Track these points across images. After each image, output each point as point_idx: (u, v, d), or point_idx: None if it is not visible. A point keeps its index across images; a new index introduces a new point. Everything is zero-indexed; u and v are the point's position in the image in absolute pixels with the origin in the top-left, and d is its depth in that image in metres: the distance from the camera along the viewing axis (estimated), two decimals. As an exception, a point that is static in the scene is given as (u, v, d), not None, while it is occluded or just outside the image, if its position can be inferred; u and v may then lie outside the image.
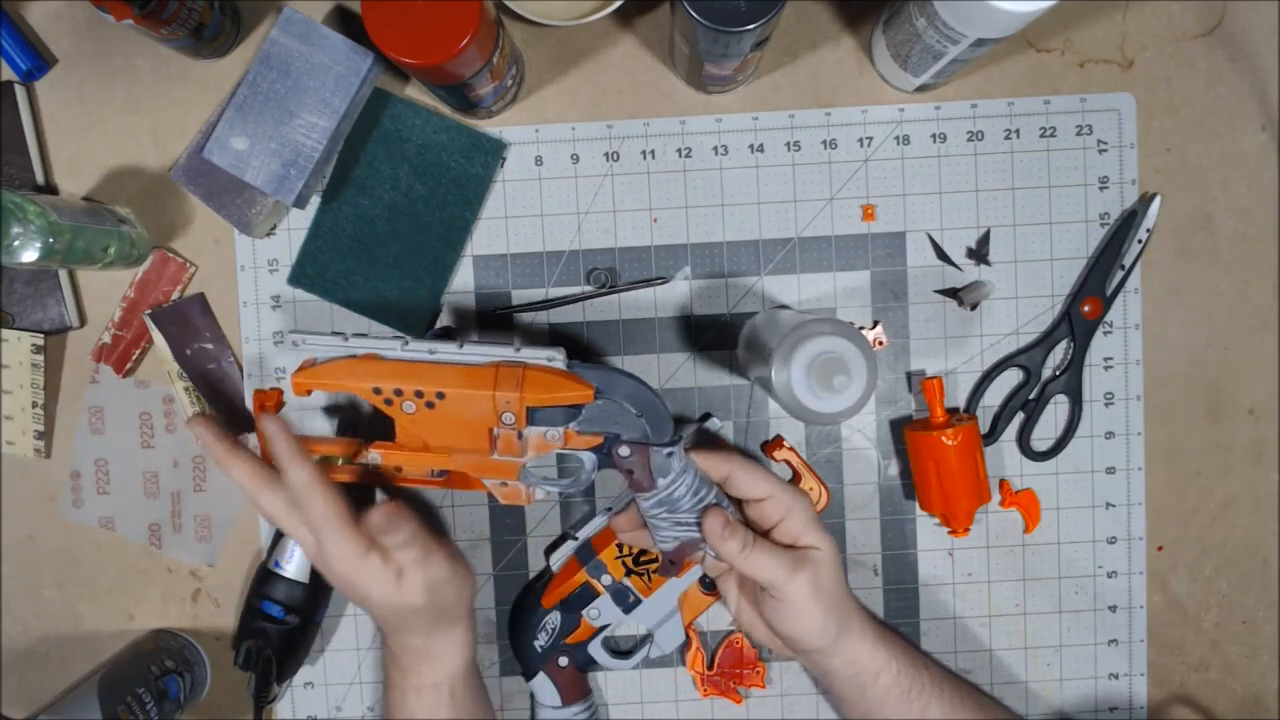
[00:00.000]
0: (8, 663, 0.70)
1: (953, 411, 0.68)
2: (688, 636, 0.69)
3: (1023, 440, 0.68)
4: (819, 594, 0.57)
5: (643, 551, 0.66)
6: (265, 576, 0.66)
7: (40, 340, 0.67)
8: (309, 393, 0.57)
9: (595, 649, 0.67)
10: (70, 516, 0.70)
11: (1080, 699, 0.70)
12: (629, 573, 0.66)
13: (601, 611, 0.66)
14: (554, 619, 0.66)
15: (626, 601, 0.66)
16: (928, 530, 0.69)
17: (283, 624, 0.65)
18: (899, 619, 0.69)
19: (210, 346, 0.68)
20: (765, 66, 0.67)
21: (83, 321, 0.69)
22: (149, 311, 0.67)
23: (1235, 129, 0.67)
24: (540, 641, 0.67)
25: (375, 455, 0.59)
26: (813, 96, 0.67)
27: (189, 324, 0.68)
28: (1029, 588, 0.69)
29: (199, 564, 0.70)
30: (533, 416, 0.56)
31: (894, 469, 0.69)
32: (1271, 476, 0.69)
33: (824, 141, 0.67)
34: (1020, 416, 0.68)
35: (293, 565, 0.65)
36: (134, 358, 0.68)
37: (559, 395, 0.55)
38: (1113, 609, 0.69)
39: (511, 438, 0.57)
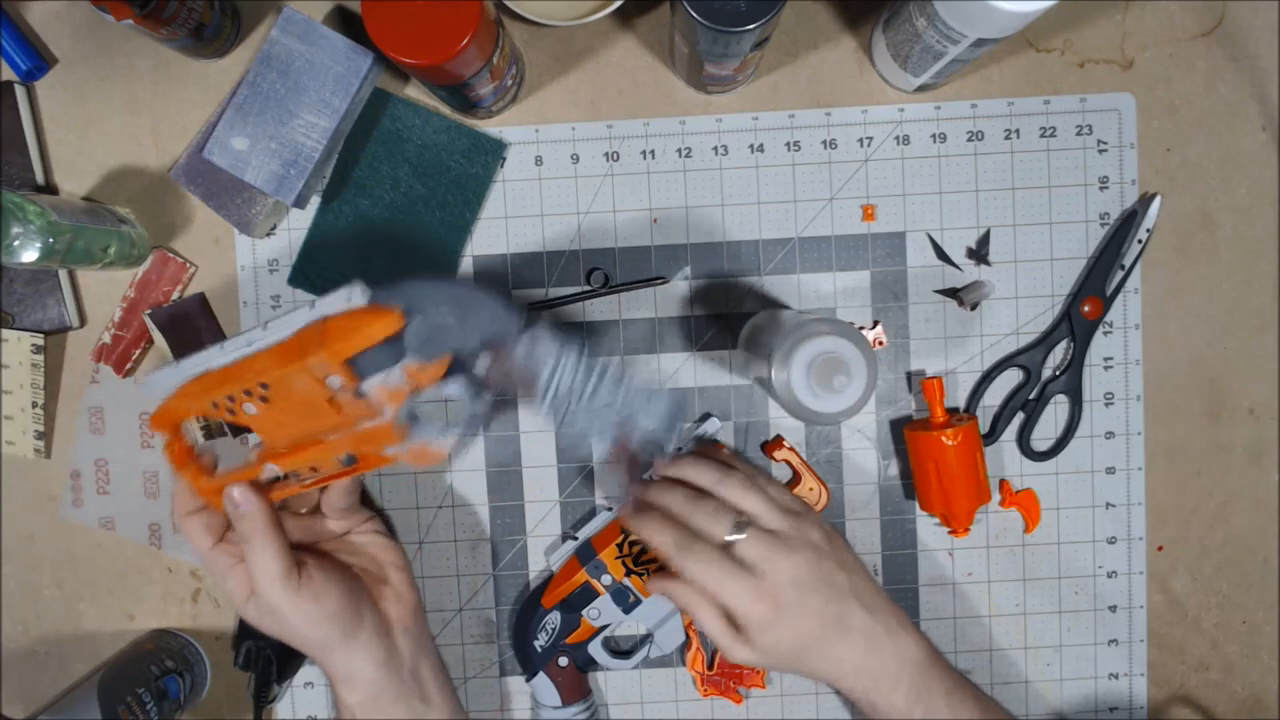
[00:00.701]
0: (8, 663, 0.70)
1: (953, 411, 0.68)
2: (688, 636, 0.69)
3: (1023, 440, 0.68)
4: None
5: (643, 551, 0.66)
6: (265, 576, 0.66)
7: (40, 340, 0.67)
8: (173, 430, 0.56)
9: (595, 649, 0.67)
10: (70, 516, 0.70)
11: (1080, 699, 0.70)
12: (629, 572, 0.66)
13: (601, 611, 0.66)
14: (554, 619, 0.67)
15: (626, 601, 0.66)
16: (928, 530, 0.69)
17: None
18: (899, 619, 0.69)
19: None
20: (765, 66, 0.67)
21: (83, 321, 0.69)
22: (149, 311, 0.67)
23: (1235, 129, 0.67)
24: (540, 641, 0.67)
25: (271, 467, 0.55)
26: (813, 96, 0.67)
27: (189, 324, 0.68)
28: (1029, 588, 0.69)
29: (199, 564, 0.70)
30: (360, 370, 0.50)
31: (894, 469, 0.69)
32: (1271, 476, 0.69)
33: (824, 141, 0.67)
34: (1020, 416, 0.68)
35: (293, 565, 0.65)
36: (134, 358, 0.68)
37: (362, 335, 0.49)
38: (1113, 609, 0.69)
39: (353, 401, 0.51)
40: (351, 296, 0.49)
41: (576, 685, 0.67)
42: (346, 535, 0.63)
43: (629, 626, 0.68)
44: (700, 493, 0.58)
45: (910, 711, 0.58)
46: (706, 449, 0.65)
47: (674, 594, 0.58)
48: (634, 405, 0.52)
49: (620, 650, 0.68)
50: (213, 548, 0.57)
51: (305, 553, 0.59)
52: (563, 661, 0.67)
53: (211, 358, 0.53)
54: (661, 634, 0.67)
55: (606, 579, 0.66)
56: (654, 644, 0.67)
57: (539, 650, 0.67)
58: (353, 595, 0.58)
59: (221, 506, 0.56)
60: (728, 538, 0.56)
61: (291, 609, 0.56)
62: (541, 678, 0.67)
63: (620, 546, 0.66)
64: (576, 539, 0.67)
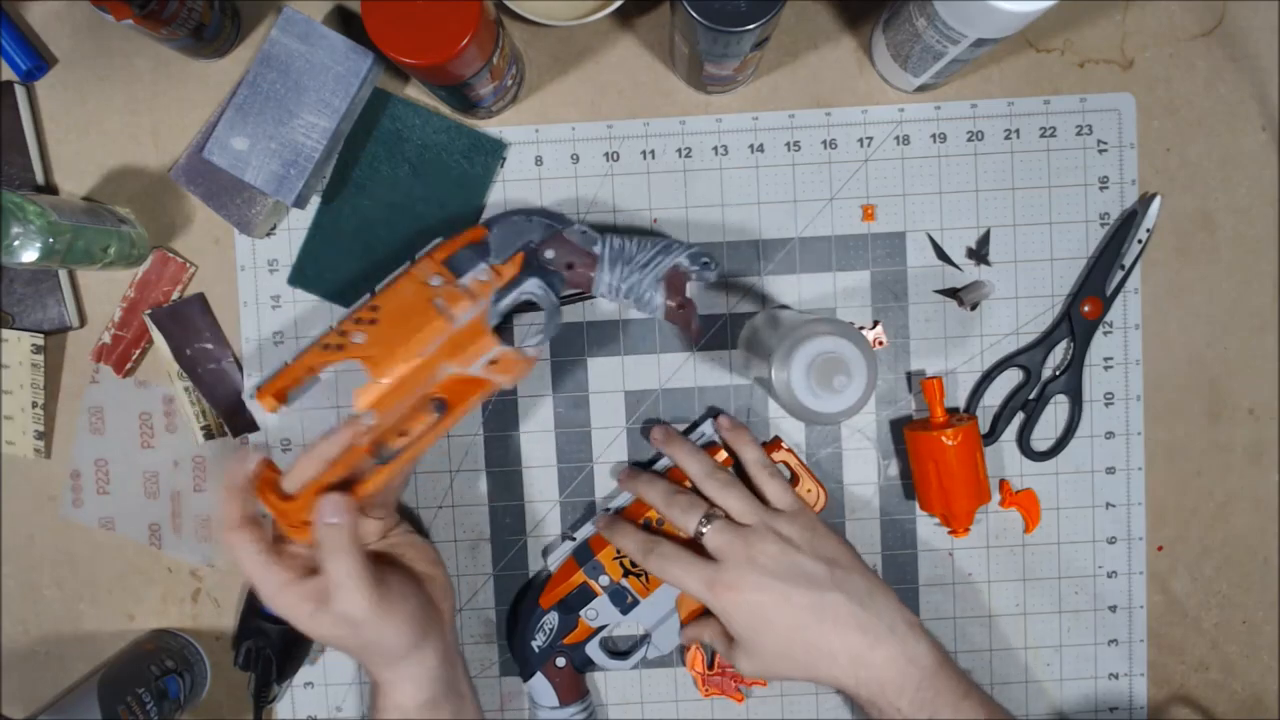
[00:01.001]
0: (8, 663, 0.70)
1: (953, 411, 0.68)
2: (688, 637, 0.69)
3: (1023, 440, 0.68)
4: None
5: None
6: (265, 576, 0.66)
7: (40, 340, 0.67)
8: (277, 407, 0.58)
9: (593, 649, 0.67)
10: (70, 516, 0.70)
11: (1080, 699, 0.70)
12: (627, 573, 0.66)
13: (599, 612, 0.66)
14: (552, 619, 0.66)
15: (624, 602, 0.66)
16: (928, 530, 0.69)
17: (283, 624, 0.64)
18: (899, 619, 0.69)
19: (210, 346, 0.68)
20: (765, 66, 0.67)
21: (83, 321, 0.69)
22: (149, 311, 0.67)
23: (1235, 129, 0.67)
24: (538, 642, 0.67)
25: (368, 415, 0.57)
26: (813, 96, 0.67)
27: (189, 324, 0.68)
28: (1029, 588, 0.69)
29: (199, 564, 0.70)
30: (456, 269, 0.60)
31: (894, 469, 0.69)
32: (1271, 476, 0.69)
33: (824, 141, 0.67)
34: (1020, 416, 0.68)
35: (293, 565, 0.65)
36: (134, 358, 0.68)
37: (458, 241, 0.61)
38: (1113, 609, 0.69)
39: (454, 291, 0.59)
40: (437, 241, 0.62)
41: (574, 686, 0.67)
42: (385, 538, 0.62)
43: (627, 627, 0.67)
44: (677, 488, 0.63)
45: (915, 716, 0.57)
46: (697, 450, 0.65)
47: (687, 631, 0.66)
48: (669, 251, 0.62)
49: (618, 651, 0.68)
50: (266, 563, 0.54)
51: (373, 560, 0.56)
52: (560, 662, 0.67)
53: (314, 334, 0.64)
54: (659, 634, 0.67)
55: (604, 580, 0.66)
56: (651, 644, 0.67)
57: (536, 651, 0.67)
58: (422, 598, 0.58)
59: (293, 522, 0.55)
60: (694, 530, 0.60)
61: (376, 619, 0.54)
62: (539, 678, 0.67)
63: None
64: (575, 539, 0.67)
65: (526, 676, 0.67)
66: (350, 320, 0.59)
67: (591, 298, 0.67)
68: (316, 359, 0.58)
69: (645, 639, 0.68)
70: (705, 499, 0.62)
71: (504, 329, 0.67)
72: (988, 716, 0.58)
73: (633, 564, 0.65)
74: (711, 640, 0.64)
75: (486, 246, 0.61)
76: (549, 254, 0.61)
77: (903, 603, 0.60)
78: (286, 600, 0.54)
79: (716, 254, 0.67)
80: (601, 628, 0.67)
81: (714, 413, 0.68)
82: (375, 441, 0.57)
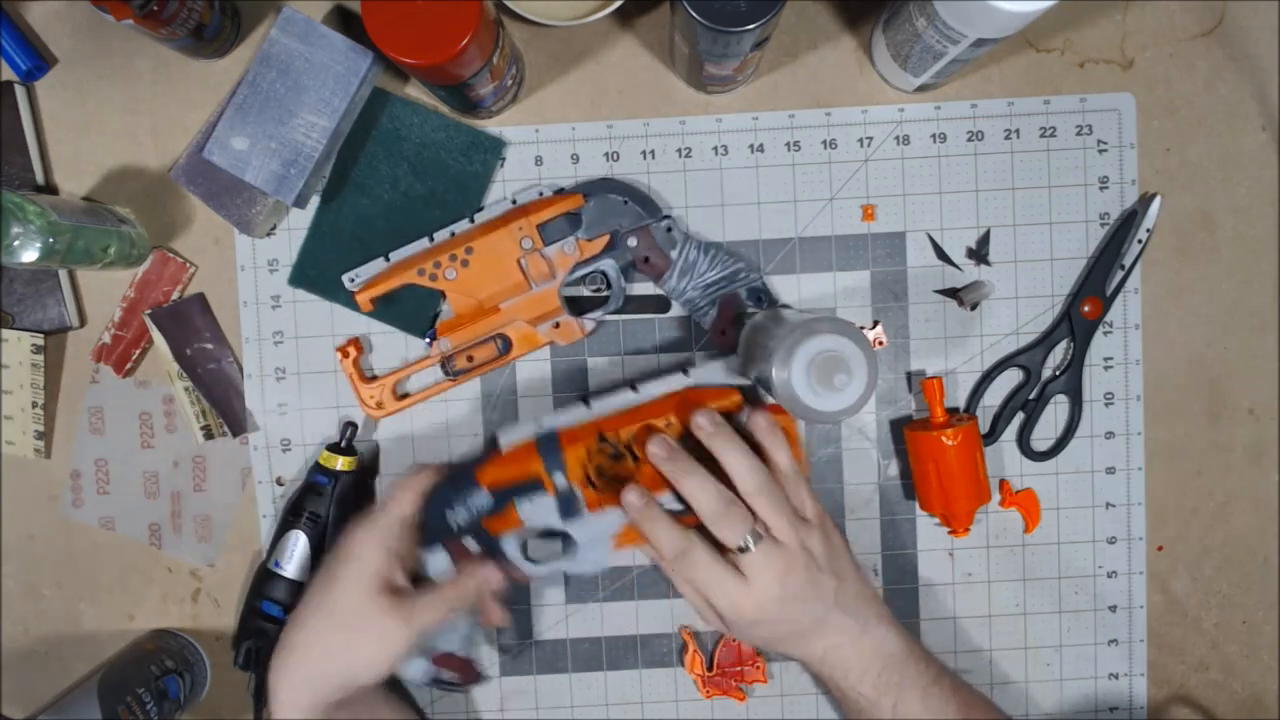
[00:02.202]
0: (8, 663, 0.70)
1: (953, 411, 0.68)
2: (684, 641, 0.69)
3: (1023, 440, 0.68)
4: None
5: (615, 458, 0.60)
6: (265, 576, 0.66)
7: (40, 340, 0.67)
8: (373, 306, 0.65)
9: (509, 545, 0.60)
10: (70, 516, 0.70)
11: (1080, 699, 0.70)
12: (589, 481, 0.59)
13: (537, 510, 0.59)
14: (482, 500, 0.60)
15: (570, 510, 0.59)
16: (928, 530, 0.69)
17: (282, 624, 0.64)
18: (899, 619, 0.69)
19: (210, 346, 0.68)
20: (765, 66, 0.67)
21: (83, 321, 0.69)
22: (149, 311, 0.67)
23: (1235, 129, 0.67)
24: (457, 517, 0.60)
25: (444, 341, 0.66)
26: (813, 96, 0.67)
27: (189, 324, 0.68)
28: (1029, 588, 0.69)
29: (199, 564, 0.70)
30: (546, 236, 0.64)
31: (894, 469, 0.69)
32: (1271, 476, 0.69)
33: (824, 141, 0.67)
34: (1020, 416, 0.68)
35: (293, 565, 0.65)
36: (134, 358, 0.68)
37: (557, 207, 0.64)
38: (1113, 609, 0.69)
39: (538, 260, 0.64)
40: (542, 191, 0.66)
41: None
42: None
43: (549, 550, 0.63)
44: (726, 497, 0.58)
45: (878, 701, 0.60)
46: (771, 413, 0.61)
47: (662, 564, 0.62)
48: (733, 280, 0.66)
49: (533, 558, 0.62)
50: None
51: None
52: (470, 544, 0.60)
53: (414, 248, 0.66)
54: (585, 554, 0.60)
55: (560, 479, 0.59)
56: (574, 560, 0.61)
57: (449, 525, 0.60)
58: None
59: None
60: (736, 544, 0.57)
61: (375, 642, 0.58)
62: (440, 552, 0.60)
63: (591, 451, 0.59)
64: (542, 427, 0.60)
65: (426, 543, 0.60)
66: (446, 255, 0.64)
67: (661, 313, 0.68)
68: (411, 279, 0.65)
69: (569, 551, 0.61)
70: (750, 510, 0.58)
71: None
72: (959, 702, 0.60)
73: (598, 473, 0.60)
74: (696, 605, 0.61)
75: (579, 217, 0.65)
76: (632, 242, 0.65)
77: (875, 593, 0.62)
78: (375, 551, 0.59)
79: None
80: (530, 527, 0.60)
81: (748, 397, 0.61)
82: (446, 359, 0.66)
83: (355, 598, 0.58)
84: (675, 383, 0.61)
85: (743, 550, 0.57)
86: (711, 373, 0.61)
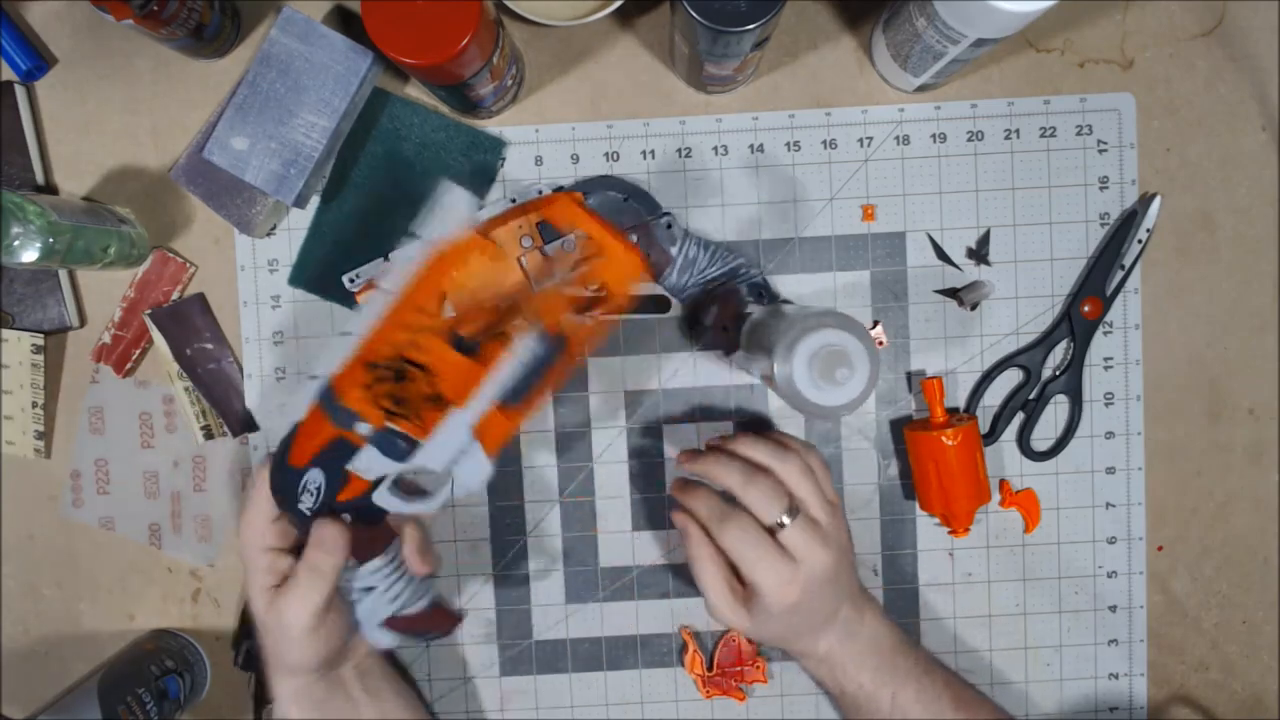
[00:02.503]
0: (8, 663, 0.70)
1: (953, 411, 0.68)
2: (684, 641, 0.69)
3: (1023, 440, 0.68)
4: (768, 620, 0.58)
5: (398, 378, 0.54)
6: (265, 576, 0.66)
7: (40, 340, 0.67)
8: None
9: (382, 497, 0.55)
10: (70, 516, 0.70)
11: (1080, 699, 0.70)
12: (391, 414, 0.53)
13: (371, 464, 0.54)
14: (315, 477, 0.55)
15: (398, 449, 0.54)
16: (928, 530, 0.69)
17: (283, 624, 0.65)
18: (899, 619, 0.69)
19: (210, 346, 0.68)
20: (765, 66, 0.67)
21: (83, 321, 0.69)
22: (149, 311, 0.67)
23: (1235, 129, 0.67)
24: (306, 505, 0.55)
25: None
26: (813, 96, 0.67)
27: (189, 324, 0.68)
28: (1029, 588, 0.69)
29: (199, 564, 0.70)
30: (546, 235, 0.63)
31: (894, 469, 0.69)
32: (1271, 476, 0.69)
33: (824, 141, 0.67)
34: (1020, 416, 0.68)
35: (292, 565, 0.65)
36: (134, 358, 0.68)
37: (552, 206, 0.63)
38: (1113, 609, 0.69)
39: (538, 259, 0.63)
40: (541, 190, 0.66)
41: (371, 540, 0.57)
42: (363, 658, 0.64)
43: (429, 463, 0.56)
44: (755, 469, 0.58)
45: (877, 693, 0.60)
46: (765, 433, 0.62)
47: (689, 539, 0.59)
48: (734, 276, 0.65)
49: (419, 490, 0.58)
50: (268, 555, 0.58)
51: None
52: (345, 519, 0.56)
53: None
54: (462, 471, 0.55)
55: (364, 428, 0.53)
56: (457, 485, 0.56)
57: (308, 514, 0.55)
58: (343, 643, 0.60)
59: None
60: (780, 520, 0.56)
61: (309, 638, 0.57)
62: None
63: (370, 385, 0.53)
64: (315, 377, 0.55)
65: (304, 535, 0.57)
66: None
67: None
68: None
69: (448, 477, 0.56)
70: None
71: None
72: (950, 692, 0.62)
73: (396, 402, 0.54)
74: (711, 582, 0.58)
75: None
76: (632, 239, 0.65)
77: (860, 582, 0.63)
78: (258, 562, 0.57)
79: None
80: (381, 479, 0.55)
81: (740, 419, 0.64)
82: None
83: (260, 606, 0.58)
84: (408, 255, 0.56)
85: (780, 527, 0.56)
86: (409, 251, 0.57)
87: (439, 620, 0.60)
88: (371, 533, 0.57)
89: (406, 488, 0.57)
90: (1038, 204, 0.67)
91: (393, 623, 0.59)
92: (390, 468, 0.55)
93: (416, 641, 0.61)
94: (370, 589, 0.58)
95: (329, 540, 0.55)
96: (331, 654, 0.59)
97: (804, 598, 0.57)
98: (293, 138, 0.62)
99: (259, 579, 0.57)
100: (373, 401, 0.53)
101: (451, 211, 0.55)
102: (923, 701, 0.61)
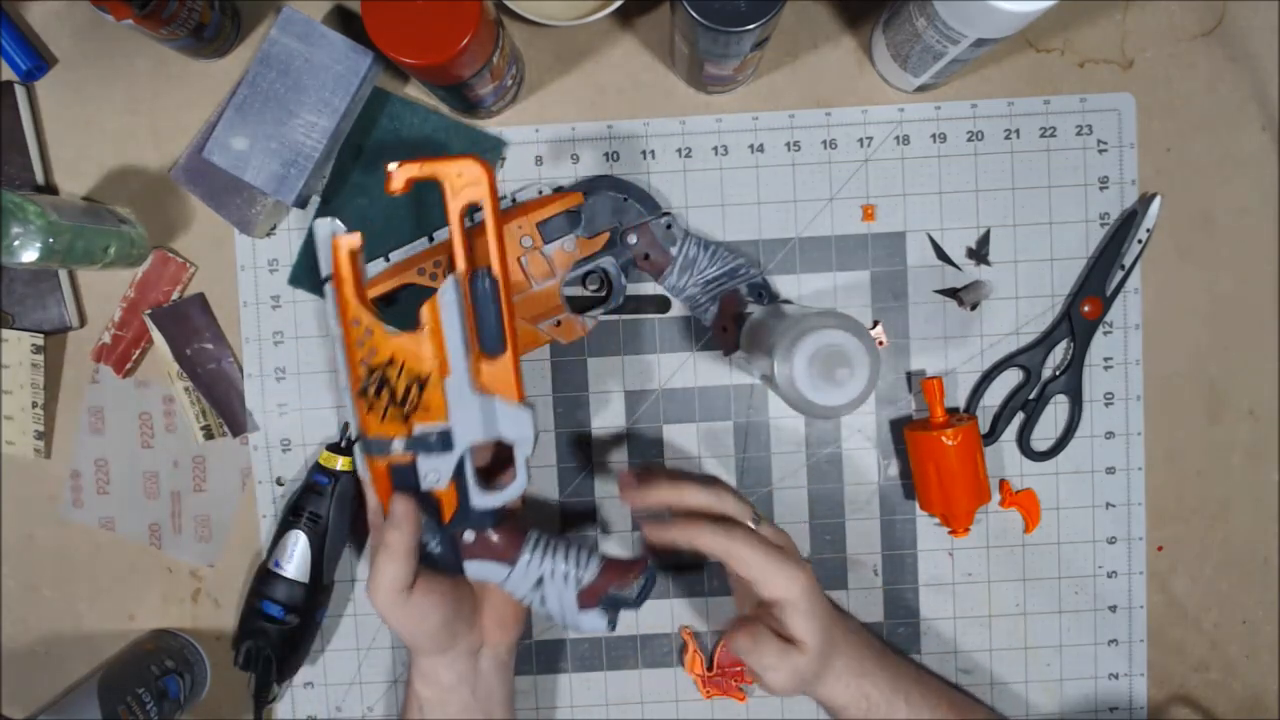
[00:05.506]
0: (8, 663, 0.70)
1: (953, 411, 0.68)
2: (684, 640, 0.69)
3: (1023, 440, 0.68)
4: (795, 675, 0.57)
5: (381, 387, 0.55)
6: (265, 576, 0.66)
7: (40, 340, 0.67)
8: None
9: (477, 499, 0.56)
10: (70, 516, 0.70)
11: (1080, 699, 0.70)
12: (405, 418, 0.55)
13: (432, 469, 0.55)
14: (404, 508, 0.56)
15: (432, 444, 0.55)
16: (928, 530, 0.69)
17: (283, 624, 0.65)
18: (899, 619, 0.69)
19: (210, 346, 0.68)
20: (765, 66, 0.67)
21: (83, 321, 0.69)
22: (149, 311, 0.67)
23: (1235, 129, 0.67)
24: (432, 546, 0.57)
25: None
26: (813, 96, 0.67)
27: (189, 324, 0.68)
28: (1029, 588, 0.69)
29: (199, 564, 0.70)
30: (546, 235, 0.64)
31: (894, 469, 0.69)
32: (1271, 476, 0.69)
33: (824, 141, 0.67)
34: (1020, 416, 0.68)
35: (293, 565, 0.65)
36: (134, 358, 0.68)
37: (557, 205, 0.64)
38: (1113, 609, 0.69)
39: (538, 258, 0.64)
40: (542, 190, 0.67)
41: (506, 543, 0.57)
42: None
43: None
44: (704, 482, 0.60)
45: (892, 699, 0.61)
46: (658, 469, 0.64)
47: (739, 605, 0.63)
48: (734, 275, 0.66)
49: (499, 480, 0.58)
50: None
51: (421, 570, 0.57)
52: (468, 538, 0.57)
53: (414, 248, 0.66)
54: (510, 431, 0.55)
55: (398, 445, 0.55)
56: (516, 445, 0.55)
57: (438, 553, 0.57)
58: (450, 620, 0.58)
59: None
60: (749, 523, 0.58)
61: (393, 619, 0.56)
62: (471, 566, 0.57)
63: (370, 402, 0.55)
64: (349, 437, 0.58)
65: (458, 571, 0.58)
66: (447, 255, 0.63)
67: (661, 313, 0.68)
68: (411, 278, 0.63)
69: (509, 447, 0.56)
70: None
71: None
72: (934, 697, 0.63)
73: (400, 405, 0.55)
74: (755, 644, 0.57)
75: (578, 215, 0.64)
76: (631, 239, 0.65)
77: None
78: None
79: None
80: (455, 479, 0.56)
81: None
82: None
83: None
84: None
85: (757, 527, 0.59)
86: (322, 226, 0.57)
87: (623, 571, 0.58)
88: (502, 535, 0.57)
89: (490, 483, 0.57)
90: (1038, 204, 0.67)
91: (585, 599, 0.57)
92: (449, 462, 0.55)
93: (630, 607, 0.58)
94: (539, 582, 0.57)
95: (397, 515, 0.55)
96: (435, 633, 0.57)
97: (819, 587, 0.58)
98: (293, 138, 0.62)
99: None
100: (383, 417, 0.55)
101: (325, 245, 0.56)
102: (928, 701, 0.62)
